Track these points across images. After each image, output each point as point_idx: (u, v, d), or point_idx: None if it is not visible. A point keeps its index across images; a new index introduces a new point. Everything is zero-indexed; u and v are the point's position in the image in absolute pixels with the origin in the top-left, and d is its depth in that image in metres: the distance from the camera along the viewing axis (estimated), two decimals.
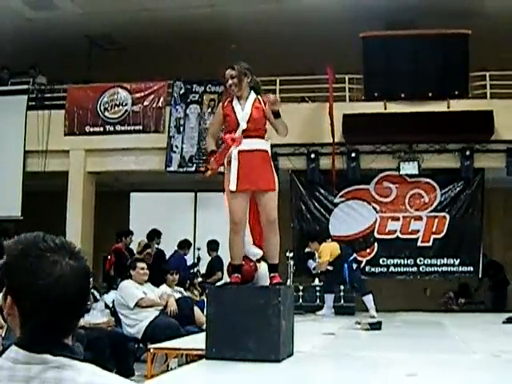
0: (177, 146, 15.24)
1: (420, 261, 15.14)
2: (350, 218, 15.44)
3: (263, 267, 6.70)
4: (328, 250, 12.61)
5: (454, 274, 15.19)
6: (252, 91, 6.41)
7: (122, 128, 15.52)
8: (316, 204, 15.48)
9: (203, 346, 5.94)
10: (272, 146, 6.61)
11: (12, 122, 15.81)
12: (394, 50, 14.85)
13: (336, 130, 14.35)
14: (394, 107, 14.72)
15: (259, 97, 6.39)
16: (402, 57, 14.78)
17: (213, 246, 14.07)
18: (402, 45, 14.83)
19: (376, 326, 9.29)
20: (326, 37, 15.72)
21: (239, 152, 6.20)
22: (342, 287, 12.96)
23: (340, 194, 15.43)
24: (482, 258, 15.03)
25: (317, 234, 14.11)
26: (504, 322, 10.34)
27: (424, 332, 9.95)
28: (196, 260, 14.56)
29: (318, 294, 13.26)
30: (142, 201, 16.90)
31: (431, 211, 15.22)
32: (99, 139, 15.51)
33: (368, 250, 15.29)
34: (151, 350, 6.78)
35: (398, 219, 15.34)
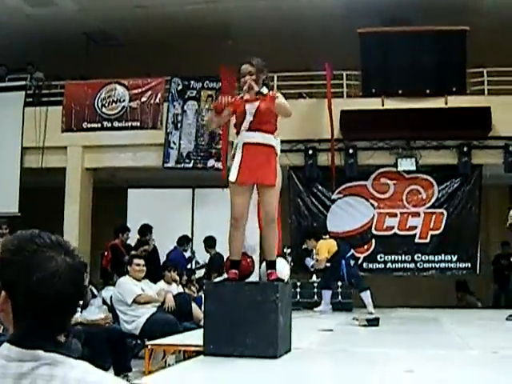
0: (174, 143, 15.23)
1: (417, 257, 15.14)
2: (348, 214, 15.44)
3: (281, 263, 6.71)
4: (326, 248, 12.61)
5: (452, 270, 15.19)
6: (264, 87, 6.40)
7: (120, 124, 15.51)
8: (314, 200, 15.48)
9: (201, 343, 5.95)
10: None
11: (9, 118, 15.79)
12: (392, 46, 14.85)
13: (333, 126, 14.36)
14: (392, 103, 14.72)
15: (270, 93, 6.36)
16: (400, 53, 14.78)
17: (210, 242, 14.03)
18: (400, 41, 14.83)
19: (374, 323, 9.30)
20: (324, 33, 15.73)
21: (244, 144, 6.20)
22: (339, 283, 12.97)
23: (337, 191, 15.42)
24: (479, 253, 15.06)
25: (314, 230, 14.12)
26: (507, 319, 10.31)
27: (421, 328, 9.97)
28: (192, 254, 14.55)
29: (315, 290, 13.26)
30: (139, 197, 16.86)
31: (429, 207, 15.23)
32: (97, 135, 15.49)
33: (365, 247, 15.30)
34: (149, 347, 6.77)
35: (395, 215, 15.34)
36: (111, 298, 9.46)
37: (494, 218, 16.28)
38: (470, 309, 14.86)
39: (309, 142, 14.86)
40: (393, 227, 15.32)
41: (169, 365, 7.43)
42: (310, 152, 14.88)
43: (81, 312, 8.52)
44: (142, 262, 9.45)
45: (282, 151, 6.52)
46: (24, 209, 15.32)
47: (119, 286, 9.19)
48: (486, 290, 16.50)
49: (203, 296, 6.79)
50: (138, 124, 15.44)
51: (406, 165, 14.75)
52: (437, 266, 15.13)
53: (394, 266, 15.26)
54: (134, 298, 8.90)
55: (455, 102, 14.48)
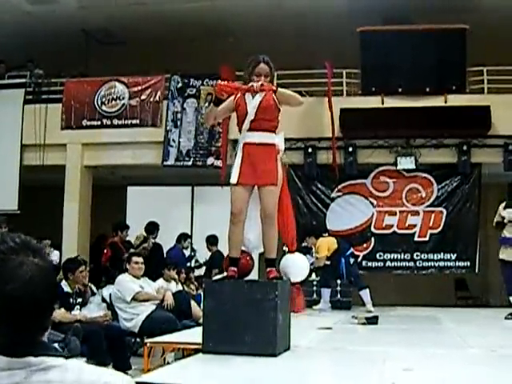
0: (174, 140, 15.23)
1: (417, 256, 15.15)
2: (347, 212, 15.45)
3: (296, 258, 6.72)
4: (325, 245, 12.61)
5: (451, 268, 15.20)
6: None
7: (119, 122, 15.51)
8: (313, 198, 15.49)
9: (200, 340, 5.94)
10: None
11: (9, 115, 15.79)
12: (392, 44, 14.85)
13: (334, 124, 14.36)
14: (392, 102, 14.71)
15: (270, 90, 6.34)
16: (400, 52, 14.78)
17: (212, 240, 14.05)
18: (400, 39, 14.83)
19: (373, 321, 9.30)
20: (324, 31, 15.73)
21: (245, 144, 6.21)
22: (338, 282, 12.97)
23: (337, 189, 15.44)
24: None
25: (314, 228, 14.12)
26: (506, 318, 10.32)
27: (421, 326, 9.97)
28: (192, 253, 14.55)
29: (314, 288, 13.27)
30: (138, 195, 16.88)
31: (428, 206, 15.24)
32: (96, 133, 15.49)
33: (365, 245, 15.30)
34: (148, 344, 6.77)
35: (394, 214, 15.35)
36: (110, 295, 9.46)
37: (493, 217, 16.27)
38: (469, 307, 14.87)
39: (308, 140, 14.86)
40: (392, 226, 15.33)
41: (168, 363, 7.43)
42: (310, 150, 14.88)
43: (80, 310, 8.52)
44: (140, 259, 9.45)
45: None
46: (23, 206, 15.33)
47: (118, 283, 9.19)
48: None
49: (202, 294, 6.79)
50: (138, 122, 15.44)
51: (406, 163, 14.75)
52: (436, 264, 15.14)
53: (393, 264, 15.27)
54: (133, 295, 8.90)
55: (455, 100, 14.48)
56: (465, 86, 14.83)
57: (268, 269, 6.37)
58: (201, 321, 6.93)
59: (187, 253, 14.51)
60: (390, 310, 12.69)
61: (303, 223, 15.19)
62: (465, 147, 14.51)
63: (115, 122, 15.53)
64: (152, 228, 13.75)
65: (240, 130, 6.31)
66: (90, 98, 15.70)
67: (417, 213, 15.28)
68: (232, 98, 6.38)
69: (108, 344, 8.16)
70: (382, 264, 15.28)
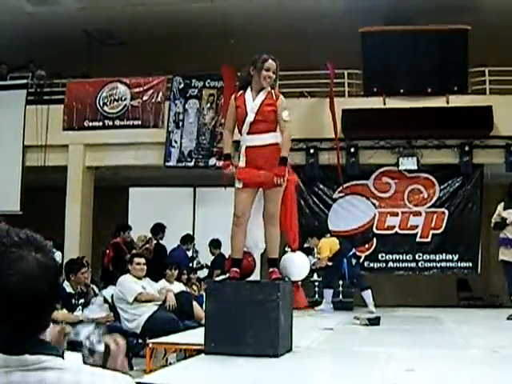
0: (176, 141, 15.24)
1: (419, 256, 15.15)
2: (349, 213, 15.44)
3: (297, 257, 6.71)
4: (328, 246, 12.62)
5: (453, 269, 15.20)
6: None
7: (121, 123, 15.51)
8: (315, 199, 15.49)
9: (202, 341, 5.95)
10: None
11: (11, 116, 15.80)
12: (393, 45, 14.84)
13: (337, 125, 14.36)
14: (393, 103, 14.71)
15: (273, 91, 6.36)
16: (401, 52, 14.77)
17: (215, 244, 14.08)
18: (401, 40, 14.82)
19: (375, 322, 9.30)
20: (325, 32, 15.72)
21: (247, 148, 6.23)
22: (340, 282, 12.98)
23: (339, 190, 15.43)
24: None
25: (316, 229, 14.12)
26: (508, 318, 10.31)
27: (422, 327, 9.97)
28: (195, 254, 14.55)
29: (316, 289, 13.27)
30: (140, 196, 16.88)
31: (430, 207, 15.23)
32: (98, 134, 15.50)
33: (367, 246, 15.30)
34: (150, 345, 6.78)
35: (396, 215, 15.35)
36: (112, 296, 9.46)
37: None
38: (471, 308, 14.86)
39: (310, 141, 14.86)
40: (394, 226, 15.33)
41: (170, 363, 7.43)
42: (312, 151, 14.89)
43: (82, 310, 8.53)
44: (142, 260, 9.44)
45: None
46: (25, 207, 15.33)
47: (120, 284, 9.19)
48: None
49: (204, 295, 6.79)
50: (140, 123, 15.45)
51: (408, 164, 14.75)
52: (438, 265, 15.13)
53: (395, 265, 15.26)
54: (135, 296, 8.90)
55: (457, 101, 14.48)
56: (467, 87, 14.82)
57: (270, 269, 6.37)
58: (203, 322, 6.93)
59: (190, 254, 14.52)
60: (391, 310, 12.69)
61: (305, 224, 15.15)
62: (467, 148, 14.51)
63: (117, 122, 15.54)
64: (157, 229, 13.77)
65: (240, 132, 6.33)
66: (91, 98, 15.71)
67: (419, 213, 15.28)
68: (233, 102, 6.40)
69: None
70: (384, 265, 15.28)
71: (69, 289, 8.71)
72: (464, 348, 7.01)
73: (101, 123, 15.60)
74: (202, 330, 6.21)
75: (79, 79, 16.29)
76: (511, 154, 14.24)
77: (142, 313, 8.88)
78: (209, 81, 15.47)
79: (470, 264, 15.05)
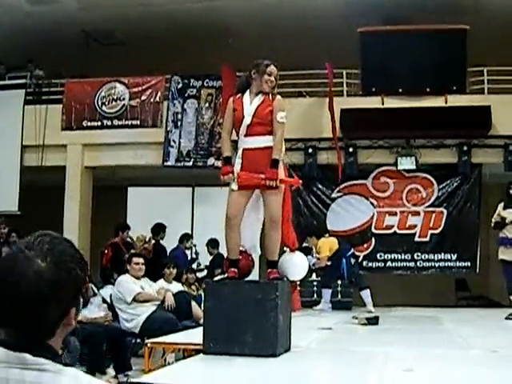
0: (174, 141, 15.23)
1: (417, 256, 15.15)
2: (348, 213, 15.45)
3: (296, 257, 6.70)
4: (327, 246, 12.63)
5: (451, 269, 15.20)
6: None
7: (120, 122, 15.51)
8: (313, 199, 15.49)
9: (200, 341, 5.95)
10: None
11: (9, 116, 15.79)
12: (392, 45, 14.85)
13: (335, 125, 14.36)
14: (392, 102, 14.72)
15: (271, 93, 6.35)
16: (400, 52, 14.77)
17: (213, 244, 14.07)
18: (400, 40, 14.83)
19: (373, 321, 9.30)
20: (324, 31, 15.72)
21: (244, 150, 6.23)
22: (339, 282, 12.98)
23: (337, 189, 15.44)
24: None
25: (314, 228, 14.12)
26: (507, 318, 10.32)
27: (421, 327, 9.97)
28: (195, 255, 14.55)
29: (315, 288, 13.27)
30: (139, 195, 16.86)
31: (428, 206, 15.24)
32: (97, 134, 15.50)
33: (365, 245, 15.31)
34: (148, 345, 6.77)
35: (395, 214, 15.35)
36: (111, 296, 9.46)
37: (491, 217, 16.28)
38: (470, 307, 14.86)
39: (309, 140, 14.86)
40: (392, 226, 15.33)
41: (168, 363, 7.42)
42: (310, 151, 14.88)
43: (80, 310, 8.52)
44: (141, 260, 9.44)
45: None
46: (24, 207, 15.33)
47: (119, 284, 9.18)
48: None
49: (203, 294, 6.79)
50: (138, 122, 15.45)
51: (406, 163, 14.75)
52: (436, 264, 15.14)
53: (393, 264, 15.27)
54: (133, 296, 8.89)
55: (455, 100, 14.48)
56: (465, 87, 14.83)
57: (269, 270, 6.37)
58: (201, 321, 6.93)
59: (189, 253, 14.52)
60: (390, 310, 12.68)
61: (303, 224, 15.19)
62: (465, 147, 14.51)
63: (115, 122, 15.54)
64: (158, 229, 13.76)
65: (237, 134, 6.33)
66: (90, 98, 15.70)
67: (417, 213, 15.29)
68: (230, 104, 6.41)
69: (108, 345, 8.17)
70: (383, 264, 15.28)
71: None
72: (463, 348, 7.00)
73: (99, 123, 15.60)
74: (200, 330, 6.21)
75: (78, 79, 16.29)
76: (510, 154, 14.25)
77: (140, 313, 8.88)
78: (207, 80, 15.46)
79: (469, 263, 15.06)
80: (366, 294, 12.32)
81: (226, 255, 7.04)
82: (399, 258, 15.24)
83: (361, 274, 13.35)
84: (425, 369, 5.44)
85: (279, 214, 6.29)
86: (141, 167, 15.71)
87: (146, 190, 16.85)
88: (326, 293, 12.72)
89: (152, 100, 15.50)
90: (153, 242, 13.51)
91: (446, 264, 15.12)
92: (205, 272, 14.16)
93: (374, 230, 15.36)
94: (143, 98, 15.52)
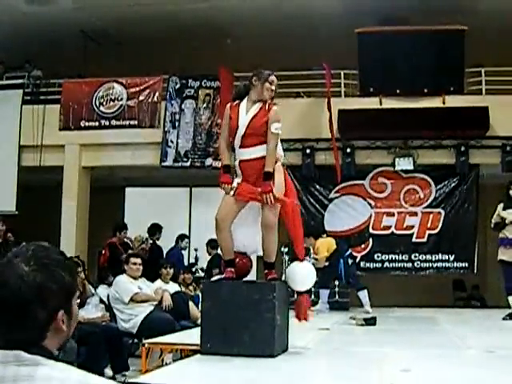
0: (172, 141, 15.23)
1: (415, 256, 15.15)
2: (345, 213, 15.45)
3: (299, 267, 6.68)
4: (325, 246, 12.63)
5: (449, 269, 15.20)
6: None
7: (117, 123, 15.50)
8: (311, 199, 15.49)
9: (198, 341, 5.95)
10: None
11: (7, 116, 15.77)
12: (390, 45, 14.85)
13: (333, 126, 14.36)
14: (390, 103, 14.73)
15: (268, 102, 6.34)
16: (398, 53, 14.78)
17: (213, 244, 14.04)
18: (398, 41, 14.83)
19: (371, 322, 9.31)
20: (322, 32, 15.73)
21: (241, 162, 6.24)
22: (336, 283, 12.98)
23: (335, 190, 15.44)
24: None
25: (312, 229, 14.11)
26: (504, 319, 10.33)
27: (419, 327, 9.99)
28: (194, 260, 14.58)
29: (312, 289, 13.26)
30: (136, 196, 16.87)
31: (426, 207, 15.24)
32: (94, 134, 15.49)
33: (363, 246, 15.30)
34: (146, 345, 6.77)
35: (392, 215, 15.35)
36: (108, 296, 9.45)
37: (491, 218, 16.29)
38: (467, 308, 14.88)
39: (306, 141, 14.87)
40: (390, 226, 15.33)
41: (166, 363, 7.43)
42: (308, 151, 14.89)
43: (78, 310, 8.51)
44: (138, 260, 9.44)
45: None
46: (21, 207, 15.32)
47: (116, 284, 9.18)
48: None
49: (200, 295, 6.79)
50: (136, 123, 15.44)
51: (404, 164, 14.76)
52: (434, 265, 15.14)
53: (391, 265, 15.27)
54: (131, 296, 8.89)
55: (453, 101, 14.49)
56: (463, 87, 14.84)
57: (266, 270, 6.37)
58: (199, 322, 6.93)
59: (185, 253, 14.54)
60: (388, 310, 12.69)
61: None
62: (463, 148, 14.52)
63: (113, 122, 15.53)
64: (154, 230, 13.76)
65: (232, 143, 6.33)
66: (88, 98, 15.69)
67: (415, 214, 15.29)
68: (228, 111, 6.39)
69: (106, 345, 8.16)
70: (380, 265, 15.28)
71: None
72: (460, 348, 7.02)
73: (97, 123, 15.59)
74: (198, 330, 6.21)
75: (75, 79, 16.28)
76: (507, 155, 14.26)
77: (138, 313, 8.87)
78: (205, 81, 15.46)
79: (466, 264, 15.06)
80: (363, 295, 12.33)
81: None
82: (397, 258, 15.24)
83: (358, 275, 13.36)
84: (422, 369, 5.44)
85: (274, 220, 6.27)
86: (138, 167, 15.70)
87: (143, 190, 16.86)
88: (324, 293, 12.72)
89: (150, 100, 15.49)
90: (150, 242, 13.52)
91: (444, 265, 15.12)
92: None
93: (371, 231, 15.36)
94: (141, 98, 15.51)
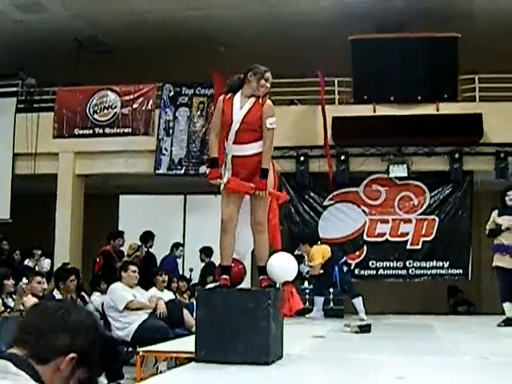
0: (166, 149, 15.23)
1: (409, 263, 15.15)
2: (340, 220, 15.44)
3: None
4: (320, 253, 12.63)
5: (444, 276, 15.21)
6: None
7: (111, 131, 15.50)
8: (305, 207, 15.49)
9: (193, 349, 5.93)
10: None
11: (1, 124, 15.77)
12: (383, 52, 14.88)
13: (327, 133, 14.38)
14: (384, 110, 14.75)
15: (260, 99, 6.33)
16: (392, 60, 14.80)
17: (207, 251, 14.04)
18: (391, 48, 14.85)
19: (365, 329, 9.29)
20: (315, 40, 15.75)
21: (233, 157, 6.20)
22: (331, 290, 12.97)
23: (329, 197, 15.44)
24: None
25: (306, 236, 14.10)
26: (499, 325, 10.33)
27: (413, 334, 9.98)
28: (189, 271, 14.58)
29: (307, 296, 13.26)
30: (131, 203, 16.87)
31: (420, 214, 15.25)
32: (88, 142, 15.48)
33: (357, 253, 15.30)
34: (140, 353, 6.75)
35: (387, 222, 15.35)
36: (103, 304, 9.43)
37: (485, 225, 16.29)
38: (462, 315, 14.88)
39: (300, 148, 14.87)
40: (384, 234, 15.33)
41: (160, 372, 7.41)
42: (302, 158, 14.89)
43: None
44: (136, 268, 9.44)
45: (273, 157, 6.47)
46: (15, 215, 15.29)
47: (111, 292, 9.16)
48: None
49: (195, 302, 6.77)
50: (130, 130, 15.44)
51: (398, 171, 14.78)
52: (428, 272, 15.14)
53: (385, 272, 15.27)
54: (125, 304, 8.87)
55: (447, 108, 14.53)
56: (457, 94, 14.88)
57: (260, 277, 6.35)
58: (193, 329, 6.91)
59: (180, 261, 14.53)
60: (382, 318, 12.68)
61: (295, 231, 15.20)
62: (457, 155, 14.54)
63: (107, 130, 15.53)
64: (146, 237, 13.74)
65: (225, 137, 6.27)
66: (82, 106, 15.69)
67: (409, 221, 15.29)
68: (220, 104, 6.35)
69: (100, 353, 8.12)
70: (375, 272, 15.28)
71: (58, 296, 8.67)
72: (455, 355, 7.01)
73: (91, 131, 15.59)
74: (192, 338, 6.19)
75: (69, 87, 16.28)
76: (501, 161, 14.30)
77: (132, 321, 8.85)
78: (199, 88, 15.48)
79: (461, 271, 15.07)
80: (358, 302, 12.32)
81: (217, 263, 7.01)
82: (391, 265, 15.24)
83: (353, 282, 13.36)
84: (417, 376, 5.43)
85: (264, 217, 6.27)
86: (132, 175, 15.69)
87: (137, 198, 16.86)
88: (319, 301, 12.72)
89: (144, 108, 15.50)
90: (145, 249, 13.50)
91: (438, 271, 15.13)
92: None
93: (365, 238, 15.36)
94: (135, 106, 15.52)
